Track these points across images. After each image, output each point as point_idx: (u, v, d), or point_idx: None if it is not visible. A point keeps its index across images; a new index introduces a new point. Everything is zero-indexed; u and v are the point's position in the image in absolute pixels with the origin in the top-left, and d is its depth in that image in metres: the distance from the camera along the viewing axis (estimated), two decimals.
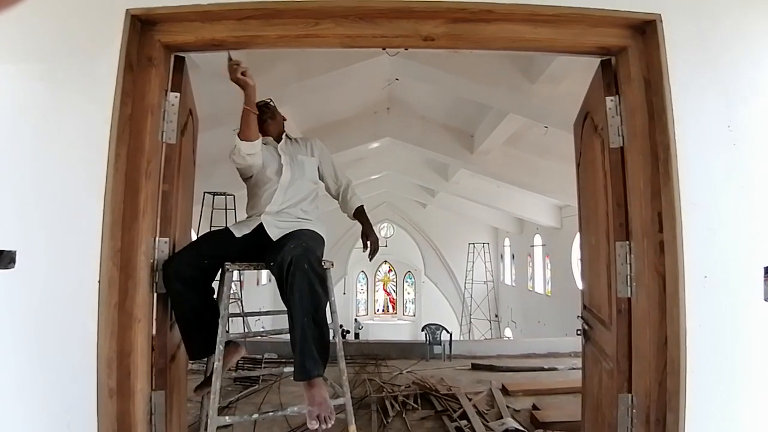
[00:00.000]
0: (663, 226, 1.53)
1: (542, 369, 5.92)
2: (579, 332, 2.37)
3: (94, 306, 1.53)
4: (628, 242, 1.67)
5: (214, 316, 1.82)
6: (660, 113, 1.54)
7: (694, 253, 1.46)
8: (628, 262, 1.67)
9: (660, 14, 1.52)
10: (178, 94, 1.85)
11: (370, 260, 2.19)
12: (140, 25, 1.69)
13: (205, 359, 2.05)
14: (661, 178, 1.54)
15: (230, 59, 1.86)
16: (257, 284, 13.82)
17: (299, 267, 1.66)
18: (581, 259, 2.47)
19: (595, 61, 1.86)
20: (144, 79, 1.71)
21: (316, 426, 1.60)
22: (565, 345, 6.77)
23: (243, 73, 1.84)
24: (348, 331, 15.91)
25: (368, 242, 2.14)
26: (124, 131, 1.64)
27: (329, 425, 1.62)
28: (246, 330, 8.18)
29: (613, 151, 1.73)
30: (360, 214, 2.23)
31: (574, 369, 5.47)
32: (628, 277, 1.67)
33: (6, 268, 1.53)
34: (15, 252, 1.53)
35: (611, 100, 1.74)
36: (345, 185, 2.26)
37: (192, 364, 2.48)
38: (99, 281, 1.54)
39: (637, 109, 1.61)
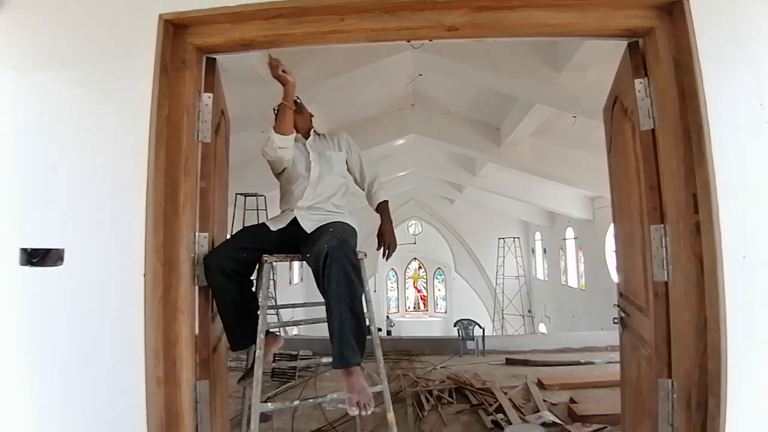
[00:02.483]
0: (698, 207, 1.49)
1: (579, 363, 5.82)
2: (615, 321, 2.34)
3: (140, 299, 1.61)
4: (662, 225, 1.64)
5: (253, 307, 1.90)
6: (691, 93, 1.51)
7: (732, 234, 1.42)
8: (663, 245, 1.64)
9: None
10: (211, 95, 1.93)
11: (386, 260, 2.21)
12: (173, 29, 1.77)
13: (245, 352, 2.13)
14: (695, 159, 1.51)
15: (270, 57, 1.93)
16: (290, 283, 14.07)
17: (335, 258, 1.71)
18: (616, 246, 2.43)
19: (622, 46, 1.83)
20: (179, 81, 1.79)
21: (356, 412, 1.64)
22: (601, 339, 6.62)
23: (283, 70, 1.93)
24: (380, 329, 15.99)
25: (383, 240, 2.16)
26: (162, 131, 1.72)
27: (368, 412, 1.66)
28: (281, 332, 8.35)
29: (644, 134, 1.70)
30: (382, 210, 2.25)
31: (611, 362, 5.36)
32: (664, 260, 1.64)
33: (54, 265, 1.63)
34: (63, 250, 1.64)
35: (640, 83, 1.71)
36: (371, 179, 2.29)
37: (230, 361, 2.57)
38: (144, 275, 1.62)
39: (668, 90, 1.58)
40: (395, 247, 2.16)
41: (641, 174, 1.74)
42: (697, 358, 1.46)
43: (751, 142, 1.47)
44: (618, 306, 2.31)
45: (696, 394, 1.46)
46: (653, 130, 1.67)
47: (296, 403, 2.11)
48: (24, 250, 1.62)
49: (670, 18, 1.59)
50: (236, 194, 7.81)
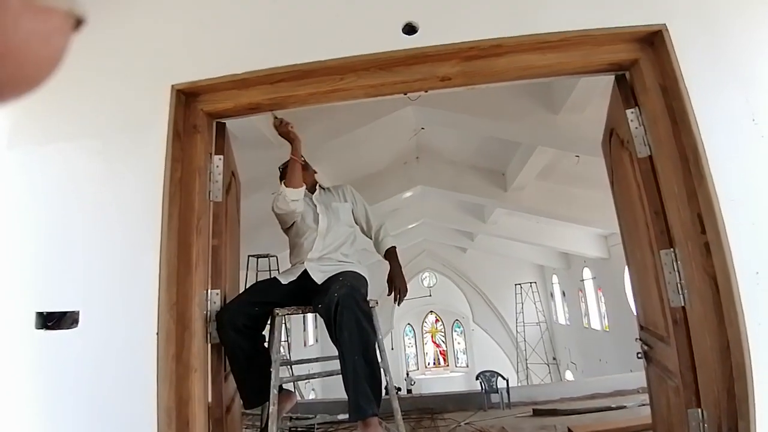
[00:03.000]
0: (705, 226, 1.50)
1: (610, 408, 5.52)
2: (639, 355, 2.26)
3: (153, 357, 1.62)
4: (672, 249, 1.64)
5: (266, 363, 1.87)
6: (682, 117, 1.56)
7: (742, 250, 1.42)
8: (675, 269, 1.63)
9: (665, 23, 1.58)
10: (221, 157, 2.02)
11: (398, 305, 2.20)
12: (185, 97, 1.90)
13: (260, 410, 2.08)
14: (695, 179, 1.53)
15: (275, 117, 2.04)
16: (305, 345, 13.81)
17: (346, 305, 1.71)
18: (630, 278, 2.39)
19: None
20: (191, 144, 1.89)
21: None
22: (631, 381, 6.30)
23: (290, 127, 2.02)
24: (399, 389, 15.43)
25: (394, 286, 2.16)
26: (175, 193, 1.80)
27: None
28: (298, 397, 8.12)
29: (642, 161, 1.74)
30: (391, 256, 2.27)
31: (644, 405, 5.07)
32: (678, 284, 1.62)
33: (69, 328, 1.66)
34: (78, 312, 1.67)
35: (632, 112, 1.77)
36: (377, 226, 2.33)
37: (245, 429, 2.49)
38: (157, 333, 1.64)
39: (659, 116, 1.64)
40: (406, 291, 2.16)
41: (644, 200, 1.76)
42: (724, 382, 1.41)
43: (748, 157, 1.50)
44: (640, 339, 2.24)
45: (726, 420, 1.39)
46: (650, 157, 1.71)
47: None
48: (40, 314, 1.65)
49: (652, 48, 1.67)
50: (248, 256, 7.87)
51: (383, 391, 1.78)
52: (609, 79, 1.93)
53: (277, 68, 1.81)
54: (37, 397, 1.64)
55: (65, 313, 1.68)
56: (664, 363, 1.86)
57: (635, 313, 2.36)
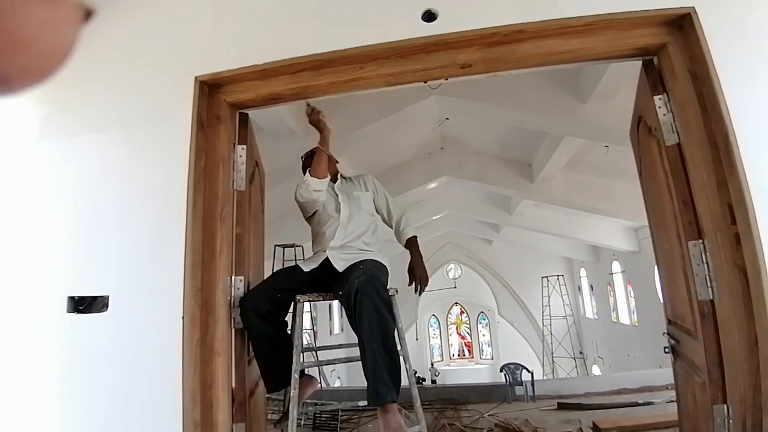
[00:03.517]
0: (735, 217, 1.44)
1: (636, 404, 5.41)
2: (666, 350, 2.20)
3: (179, 341, 1.68)
4: (701, 240, 1.59)
5: (288, 349, 1.92)
6: (712, 103, 1.50)
7: None
8: (704, 261, 1.58)
9: (693, 6, 1.52)
10: (244, 146, 2.06)
11: (419, 295, 2.20)
12: (207, 88, 1.93)
13: (282, 395, 2.12)
14: (725, 168, 1.47)
15: (308, 104, 2.06)
16: (330, 334, 14.00)
17: (365, 293, 1.73)
18: (659, 271, 2.33)
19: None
20: (214, 135, 1.93)
21: None
22: (660, 377, 6.15)
23: (321, 116, 2.05)
24: (424, 379, 15.47)
25: (415, 275, 2.16)
26: (199, 182, 1.84)
27: None
28: (324, 384, 8.26)
29: (669, 149, 1.68)
30: (411, 245, 2.27)
31: (672, 401, 4.95)
32: (707, 277, 1.57)
33: (100, 312, 1.73)
34: (108, 297, 1.74)
35: (659, 99, 1.71)
36: (398, 216, 2.33)
37: (271, 414, 2.55)
38: (183, 318, 1.69)
39: (688, 102, 1.58)
40: (427, 281, 2.16)
41: (672, 190, 1.70)
42: (751, 378, 1.37)
43: None
44: (668, 333, 2.19)
45: (751, 417, 1.35)
46: (679, 145, 1.65)
47: None
48: (71, 298, 1.73)
49: (680, 32, 1.61)
50: (275, 246, 8.00)
51: (402, 379, 1.80)
52: (639, 66, 1.87)
53: (298, 58, 1.82)
54: (68, 379, 1.72)
55: (96, 297, 1.75)
56: (691, 358, 1.81)
57: (663, 307, 2.30)
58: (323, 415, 5.45)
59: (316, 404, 5.23)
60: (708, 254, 1.56)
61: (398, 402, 1.73)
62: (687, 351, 1.89)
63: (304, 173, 2.36)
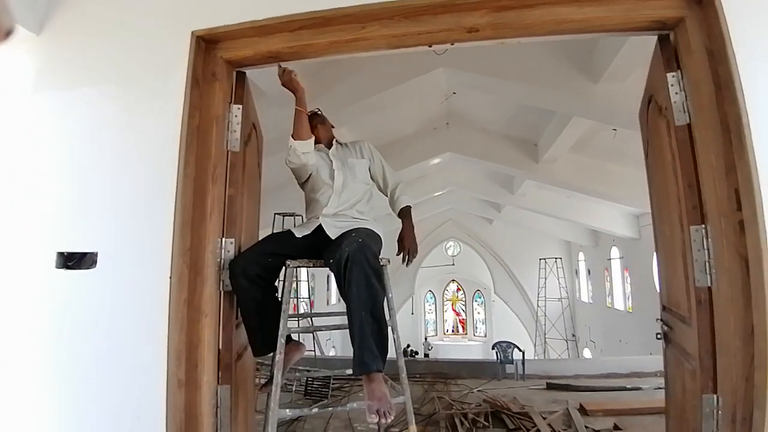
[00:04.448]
0: (741, 203, 1.39)
1: (624, 389, 5.47)
2: (659, 336, 2.19)
3: (166, 301, 1.66)
4: (703, 225, 1.54)
5: (277, 313, 1.89)
6: (727, 83, 1.42)
7: None
8: (705, 247, 1.53)
9: None
10: (240, 106, 2.00)
11: (406, 266, 2.16)
12: (204, 44, 1.86)
13: (270, 359, 2.12)
14: (735, 152, 1.41)
15: (280, 66, 1.98)
16: (327, 304, 14.15)
17: (355, 261, 1.69)
18: (657, 256, 2.29)
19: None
20: (209, 93, 1.86)
21: (376, 420, 1.59)
22: (649, 364, 6.21)
23: (293, 77, 1.96)
24: (416, 353, 15.72)
25: (404, 245, 2.13)
26: (192, 140, 1.79)
27: (389, 420, 1.60)
28: (319, 352, 8.38)
29: (679, 129, 1.62)
30: (404, 215, 2.23)
31: (660, 388, 5.00)
32: (707, 263, 1.53)
33: (89, 268, 1.70)
34: (97, 254, 1.71)
35: (673, 76, 1.63)
36: (394, 184, 2.28)
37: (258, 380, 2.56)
38: (170, 277, 1.67)
39: (702, 81, 1.50)
40: (416, 252, 2.12)
41: (678, 172, 1.64)
42: (743, 369, 1.34)
43: None
44: (661, 320, 2.16)
45: (741, 409, 1.33)
46: (689, 125, 1.59)
47: (314, 410, 2.09)
48: (61, 254, 1.71)
49: (699, 7, 1.52)
50: (275, 214, 7.99)
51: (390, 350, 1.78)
52: (653, 46, 1.78)
53: (297, 14, 1.74)
54: (52, 337, 1.71)
55: (85, 254, 1.73)
56: (683, 345, 1.79)
57: (659, 293, 2.27)
58: (315, 382, 5.53)
59: (308, 371, 5.30)
60: (710, 240, 1.51)
61: (386, 373, 1.73)
62: (680, 338, 1.86)
63: None
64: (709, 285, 1.52)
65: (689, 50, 1.55)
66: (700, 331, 1.55)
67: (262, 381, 2.13)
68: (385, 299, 1.82)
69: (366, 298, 1.67)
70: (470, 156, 8.79)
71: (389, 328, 1.81)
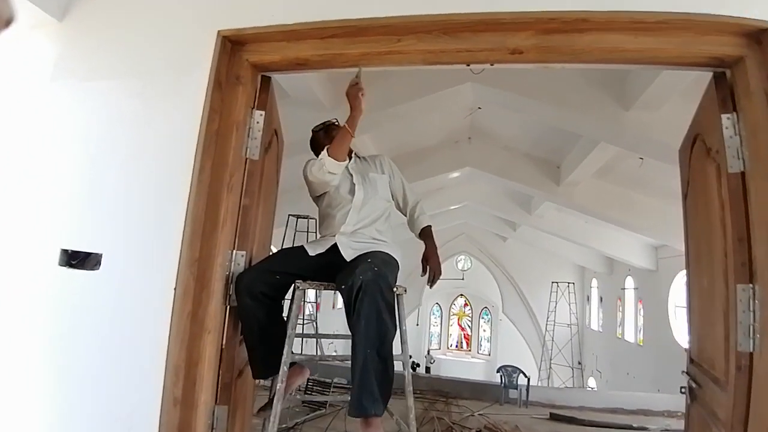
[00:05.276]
0: None
1: (631, 428, 5.28)
2: (683, 390, 2.04)
3: (168, 313, 1.57)
4: (751, 285, 1.41)
5: (281, 335, 1.79)
6: None
7: None
8: (751, 309, 1.40)
9: None
10: (263, 113, 1.91)
11: (430, 287, 2.06)
12: (230, 45, 1.79)
13: (270, 380, 2.02)
14: None
15: (357, 75, 1.85)
16: (333, 308, 14.04)
17: (368, 292, 1.57)
18: (689, 305, 2.14)
19: (701, 82, 1.65)
20: (231, 96, 1.78)
21: None
22: (657, 402, 6.01)
23: (360, 95, 1.84)
24: (418, 365, 15.51)
25: (428, 267, 2.02)
26: (210, 145, 1.71)
27: None
28: (320, 353, 8.27)
29: (732, 177, 1.49)
30: (426, 235, 2.13)
31: (667, 430, 4.80)
32: (751, 327, 1.40)
33: (92, 269, 1.63)
34: (101, 255, 1.64)
35: (728, 118, 1.51)
36: (414, 203, 2.18)
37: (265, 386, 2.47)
38: (175, 289, 1.58)
39: (760, 126, 1.38)
40: (440, 273, 2.01)
41: (727, 224, 1.51)
42: None
43: None
44: (687, 373, 2.02)
45: None
46: (743, 173, 1.46)
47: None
48: (65, 251, 1.64)
49: (759, 47, 1.41)
50: (289, 215, 7.94)
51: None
52: (692, 78, 1.67)
53: (329, 21, 1.66)
54: (50, 336, 1.65)
55: (89, 254, 1.66)
56: (714, 408, 1.65)
57: (680, 340, 2.13)
58: (315, 386, 5.44)
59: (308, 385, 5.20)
60: (757, 302, 1.38)
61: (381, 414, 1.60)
62: (710, 399, 1.72)
63: (312, 148, 2.20)
64: (751, 350, 1.39)
65: (748, 92, 1.43)
66: (736, 399, 1.41)
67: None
68: (398, 333, 1.70)
69: (374, 335, 1.56)
70: (490, 172, 8.64)
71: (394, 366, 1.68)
